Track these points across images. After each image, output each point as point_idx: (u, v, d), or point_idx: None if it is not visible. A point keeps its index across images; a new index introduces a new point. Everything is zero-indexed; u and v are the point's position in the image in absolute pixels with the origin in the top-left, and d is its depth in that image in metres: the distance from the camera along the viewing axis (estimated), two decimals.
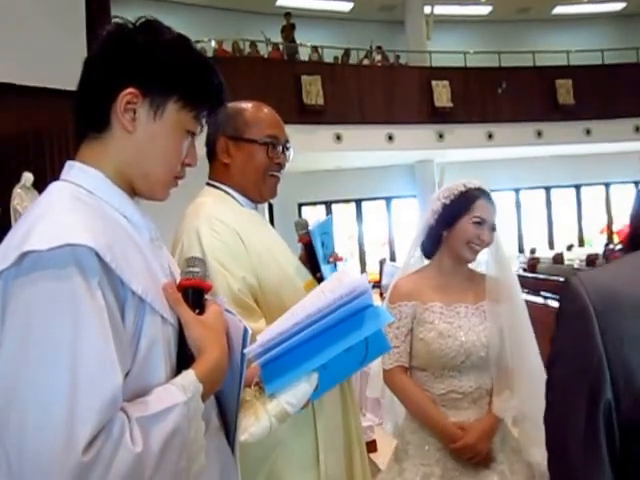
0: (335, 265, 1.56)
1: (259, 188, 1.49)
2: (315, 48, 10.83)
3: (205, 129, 1.03)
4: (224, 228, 1.37)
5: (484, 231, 1.66)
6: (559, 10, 13.40)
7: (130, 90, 0.87)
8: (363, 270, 12.62)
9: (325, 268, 1.52)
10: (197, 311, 0.89)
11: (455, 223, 1.68)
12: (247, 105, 1.51)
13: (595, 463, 0.68)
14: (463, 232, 1.67)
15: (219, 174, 1.49)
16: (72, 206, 0.81)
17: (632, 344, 0.65)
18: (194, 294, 0.90)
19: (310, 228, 1.54)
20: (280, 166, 1.51)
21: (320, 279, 1.49)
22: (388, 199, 12.86)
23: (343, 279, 1.07)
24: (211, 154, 1.51)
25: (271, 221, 9.88)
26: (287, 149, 1.52)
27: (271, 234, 1.54)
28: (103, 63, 0.89)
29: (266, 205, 9.31)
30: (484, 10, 13.15)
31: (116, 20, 0.91)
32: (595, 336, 0.66)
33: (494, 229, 1.69)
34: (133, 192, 0.93)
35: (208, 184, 1.52)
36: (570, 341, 0.71)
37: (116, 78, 0.87)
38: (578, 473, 0.70)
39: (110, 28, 0.90)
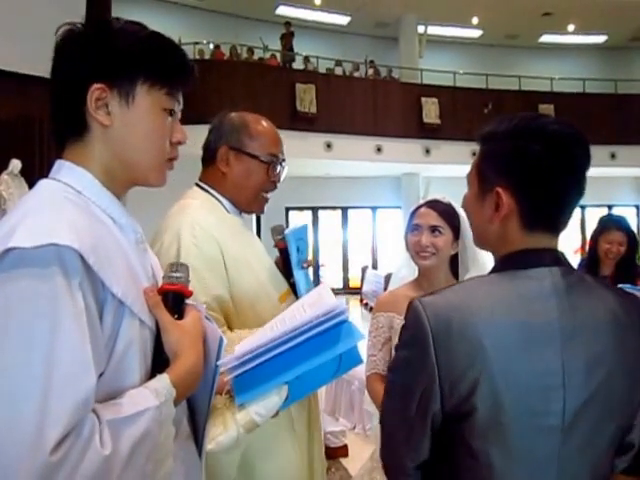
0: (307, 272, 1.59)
1: (250, 204, 1.52)
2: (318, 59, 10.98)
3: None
4: (204, 234, 1.36)
5: (421, 235, 1.70)
6: (545, 39, 13.77)
7: (96, 86, 0.86)
8: (346, 275, 12.88)
9: (298, 273, 1.53)
10: (176, 316, 0.89)
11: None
12: (253, 118, 1.52)
13: (418, 438, 0.91)
14: (408, 243, 1.75)
15: (212, 179, 1.48)
16: (60, 205, 0.81)
17: (456, 360, 0.86)
18: (174, 299, 0.90)
19: (285, 233, 1.55)
20: (275, 185, 1.53)
21: (293, 284, 1.53)
22: (374, 208, 13.07)
23: (323, 295, 1.08)
24: (208, 159, 1.51)
25: (258, 223, 10.04)
26: (283, 168, 1.54)
27: (252, 241, 1.55)
28: (62, 70, 0.88)
29: None
30: (475, 33, 13.45)
31: (64, 26, 0.89)
32: (431, 356, 0.86)
33: (437, 231, 1.70)
34: (126, 186, 0.93)
35: (198, 185, 1.51)
36: (411, 358, 0.90)
37: (78, 80, 0.86)
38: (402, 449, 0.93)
39: (59, 36, 0.89)
